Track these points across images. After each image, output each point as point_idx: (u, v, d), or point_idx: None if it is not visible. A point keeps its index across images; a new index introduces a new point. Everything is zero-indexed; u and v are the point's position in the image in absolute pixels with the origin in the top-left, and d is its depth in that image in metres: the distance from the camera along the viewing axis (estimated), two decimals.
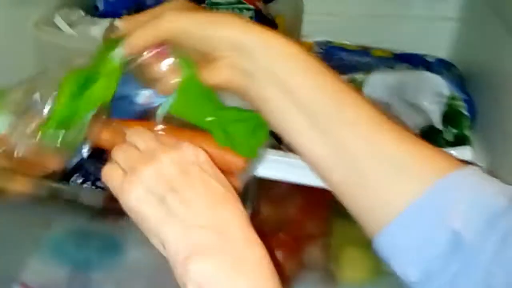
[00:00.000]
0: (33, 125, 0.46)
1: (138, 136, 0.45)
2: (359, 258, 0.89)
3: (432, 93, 0.76)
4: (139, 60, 0.46)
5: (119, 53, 0.45)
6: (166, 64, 0.46)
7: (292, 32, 0.80)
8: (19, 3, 0.70)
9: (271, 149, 0.65)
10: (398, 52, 0.87)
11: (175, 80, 0.46)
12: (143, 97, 0.49)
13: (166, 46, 0.45)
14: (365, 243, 0.90)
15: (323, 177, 0.44)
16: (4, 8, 0.66)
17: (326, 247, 0.90)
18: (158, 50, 0.45)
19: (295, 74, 0.42)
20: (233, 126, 0.49)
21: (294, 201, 0.88)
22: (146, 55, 0.45)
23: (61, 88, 0.46)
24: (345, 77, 0.77)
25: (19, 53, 0.72)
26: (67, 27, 0.76)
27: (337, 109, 0.41)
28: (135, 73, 0.47)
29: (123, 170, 0.43)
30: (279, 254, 0.88)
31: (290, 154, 0.63)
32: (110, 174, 0.44)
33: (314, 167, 0.44)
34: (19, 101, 0.46)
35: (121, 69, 0.46)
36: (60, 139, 0.46)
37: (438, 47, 0.89)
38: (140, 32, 0.44)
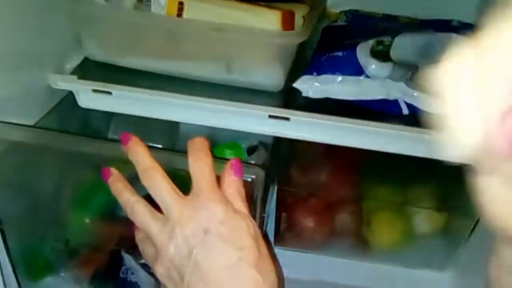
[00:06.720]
0: None
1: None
2: (390, 222, 0.90)
3: None
4: None
5: None
6: None
7: (317, 2, 0.81)
8: None
9: None
10: (424, 18, 0.88)
11: None
12: None
13: None
14: (396, 207, 0.91)
15: None
16: None
17: (358, 212, 0.91)
18: None
19: None
20: None
21: (325, 167, 0.89)
22: None
23: None
24: (372, 40, 0.78)
25: (55, 25, 0.75)
26: None
27: None
28: None
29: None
30: (310, 220, 0.89)
31: None
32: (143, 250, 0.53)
33: None
34: None
35: None
36: None
37: (465, 13, 0.89)
38: None
